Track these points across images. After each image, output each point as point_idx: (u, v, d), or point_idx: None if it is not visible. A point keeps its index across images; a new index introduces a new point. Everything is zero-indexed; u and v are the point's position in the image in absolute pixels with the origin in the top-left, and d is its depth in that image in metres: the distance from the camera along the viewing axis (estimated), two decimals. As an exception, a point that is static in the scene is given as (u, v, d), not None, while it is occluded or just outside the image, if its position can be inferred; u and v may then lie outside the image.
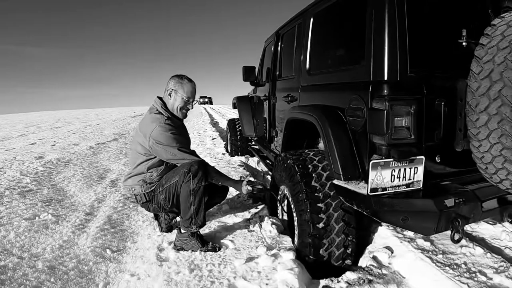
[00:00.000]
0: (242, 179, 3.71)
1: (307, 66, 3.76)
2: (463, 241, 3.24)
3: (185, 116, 3.57)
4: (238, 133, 7.72)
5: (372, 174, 2.32)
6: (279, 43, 5.19)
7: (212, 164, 6.61)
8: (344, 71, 3.02)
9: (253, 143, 7.69)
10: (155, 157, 3.37)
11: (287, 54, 4.75)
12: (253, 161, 7.36)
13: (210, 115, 25.72)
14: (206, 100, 74.07)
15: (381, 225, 3.51)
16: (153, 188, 3.43)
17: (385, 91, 2.39)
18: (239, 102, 7.29)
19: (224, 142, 9.34)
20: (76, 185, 5.62)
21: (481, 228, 3.69)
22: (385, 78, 2.43)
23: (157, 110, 3.41)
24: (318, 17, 3.67)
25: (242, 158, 7.47)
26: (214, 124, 17.99)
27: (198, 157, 3.38)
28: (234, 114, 16.95)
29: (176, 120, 3.48)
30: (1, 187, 5.35)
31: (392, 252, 3.15)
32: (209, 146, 9.25)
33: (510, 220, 2.99)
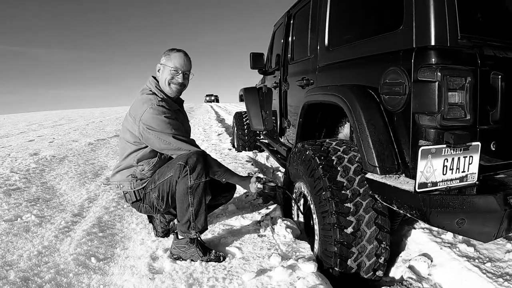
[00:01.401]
0: (250, 175, 3.16)
1: (326, 42, 3.30)
2: (509, 245, 2.79)
3: (177, 93, 2.99)
4: (245, 127, 7.36)
5: (421, 165, 1.81)
6: (291, 24, 4.77)
7: (218, 159, 6.14)
8: (374, 41, 2.52)
9: (261, 137, 7.27)
10: (146, 146, 2.82)
11: (300, 34, 4.33)
12: (262, 157, 6.94)
13: (216, 112, 25.44)
14: (213, 98, 74.17)
15: (415, 228, 3.00)
16: (144, 184, 2.89)
17: (434, 58, 1.92)
18: (246, 94, 6.90)
19: (231, 138, 9.01)
20: (68, 183, 5.15)
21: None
22: (432, 43, 1.97)
23: (150, 90, 2.88)
24: None
25: (250, 154, 7.07)
26: (220, 120, 17.65)
27: (198, 147, 2.84)
28: (241, 109, 16.61)
29: (172, 102, 2.95)
30: (-15, 186, 4.87)
31: (431, 261, 2.66)
32: (214, 142, 8.86)
33: None
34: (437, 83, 1.84)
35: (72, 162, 6.67)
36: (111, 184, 3.32)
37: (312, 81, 3.55)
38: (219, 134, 10.24)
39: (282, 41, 5.04)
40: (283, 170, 5.08)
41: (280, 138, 5.34)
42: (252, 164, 5.98)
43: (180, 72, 2.89)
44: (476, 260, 2.55)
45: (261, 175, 4.68)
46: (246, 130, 7.33)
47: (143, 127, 2.68)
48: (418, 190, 1.84)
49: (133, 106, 2.85)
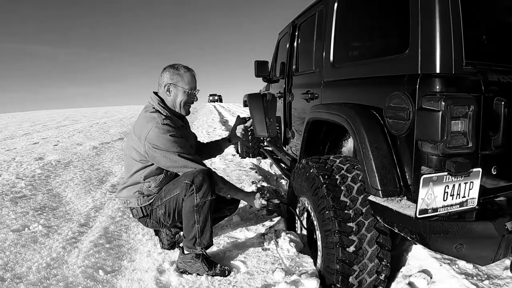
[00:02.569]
0: (254, 191, 3.23)
1: (331, 58, 3.32)
2: (507, 262, 2.83)
3: (189, 112, 3.11)
4: (249, 133, 7.29)
5: (422, 192, 1.86)
6: (296, 35, 4.78)
7: (221, 167, 6.18)
8: (380, 63, 2.55)
9: (265, 144, 7.29)
10: (153, 164, 2.89)
11: (305, 46, 4.35)
12: (266, 164, 6.96)
13: (219, 113, 25.43)
14: (216, 98, 73.97)
15: (416, 243, 3.05)
16: (151, 201, 2.95)
17: (438, 87, 1.96)
18: (251, 100, 6.87)
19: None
20: (74, 190, 5.20)
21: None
22: (437, 70, 2.00)
23: (153, 108, 2.93)
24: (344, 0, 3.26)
25: (254, 160, 7.08)
26: (224, 122, 17.69)
27: (203, 164, 2.90)
28: (245, 112, 16.58)
29: (176, 119, 3.01)
30: (-8, 192, 4.94)
31: (431, 277, 2.71)
32: (218, 147, 8.78)
33: None
34: (441, 112, 1.87)
35: (77, 168, 6.72)
36: (118, 200, 3.39)
37: (317, 95, 3.58)
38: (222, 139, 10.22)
39: (287, 51, 5.05)
40: (286, 178, 5.12)
41: (284, 147, 5.37)
42: (256, 172, 6.01)
43: (194, 92, 2.99)
44: (475, 278, 2.61)
45: (265, 185, 4.75)
46: (250, 137, 7.30)
47: (149, 146, 2.74)
48: (419, 216, 1.88)
49: (138, 124, 2.92)
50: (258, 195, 3.07)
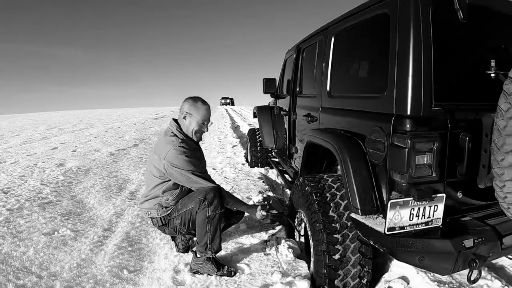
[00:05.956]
0: (256, 204, 3.72)
1: (328, 87, 3.70)
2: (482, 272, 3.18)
3: (200, 139, 3.60)
4: (258, 144, 7.65)
5: (390, 214, 2.27)
6: (300, 58, 5.14)
7: (231, 176, 6.63)
8: (365, 99, 2.96)
9: (273, 154, 7.60)
10: (170, 180, 3.38)
11: (308, 70, 4.71)
12: (273, 173, 7.32)
13: (231, 118, 25.73)
14: (228, 101, 73.88)
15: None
16: (169, 212, 3.44)
17: (408, 127, 2.33)
18: (260, 113, 7.27)
19: (245, 151, 9.31)
20: (96, 197, 5.66)
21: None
22: (408, 112, 2.37)
23: (172, 132, 3.43)
24: (339, 36, 3.62)
25: (262, 170, 7.43)
26: (235, 128, 18.07)
27: (213, 181, 3.39)
28: (255, 124, 16.98)
29: (191, 142, 3.50)
30: (21, 198, 5.41)
31: (408, 283, 3.10)
32: (229, 155, 9.27)
33: None
34: (407, 149, 2.23)
35: (96, 175, 7.16)
36: (140, 210, 3.92)
37: (316, 118, 3.95)
38: (233, 146, 10.62)
39: (292, 71, 5.41)
40: (289, 189, 5.42)
41: (289, 161, 5.72)
42: (263, 181, 6.37)
43: (206, 124, 3.48)
44: (447, 285, 2.98)
45: (271, 194, 5.17)
46: (258, 147, 7.60)
47: (168, 164, 3.23)
48: (387, 233, 2.30)
49: (158, 145, 3.41)
50: (259, 207, 3.53)
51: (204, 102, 3.50)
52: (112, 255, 3.65)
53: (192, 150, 3.42)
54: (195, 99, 3.48)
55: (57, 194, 5.73)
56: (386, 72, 2.57)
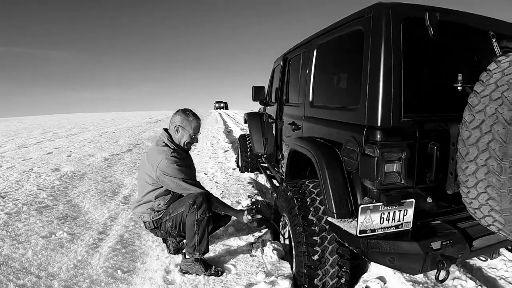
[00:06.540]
0: (243, 208, 3.99)
1: (310, 97, 3.87)
2: (457, 273, 3.35)
3: (190, 148, 3.85)
4: (248, 149, 7.81)
5: (361, 218, 2.47)
6: (286, 68, 5.30)
7: (222, 180, 6.82)
8: (342, 110, 3.12)
9: (263, 159, 7.72)
10: (162, 186, 3.60)
11: (293, 80, 4.87)
12: (263, 178, 7.47)
13: (224, 123, 25.87)
14: (222, 105, 73.95)
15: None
16: (160, 216, 3.66)
17: (377, 137, 2.49)
18: (250, 119, 7.42)
19: (236, 156, 9.45)
20: (90, 201, 5.82)
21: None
22: (378, 124, 2.54)
23: (163, 142, 3.66)
24: (321, 49, 3.78)
25: (252, 175, 7.60)
26: (228, 132, 18.28)
27: (202, 187, 3.61)
28: (245, 129, 17.11)
29: (181, 152, 3.73)
30: (19, 202, 5.57)
31: (384, 283, 3.29)
32: (220, 160, 9.43)
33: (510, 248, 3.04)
34: (376, 158, 2.41)
35: (91, 180, 7.30)
36: (133, 215, 4.17)
37: (299, 126, 4.14)
38: (225, 151, 10.77)
39: (279, 80, 5.56)
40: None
41: (277, 166, 5.90)
42: (252, 186, 6.58)
43: (196, 137, 3.74)
44: (421, 285, 3.17)
45: (260, 198, 5.38)
46: (249, 153, 7.76)
47: (160, 172, 3.47)
48: (359, 235, 2.50)
49: (151, 155, 3.64)
50: (245, 212, 3.78)
51: (195, 116, 3.75)
52: (107, 257, 3.85)
53: (182, 159, 3.65)
54: (187, 113, 3.72)
55: (53, 199, 5.89)
56: (359, 85, 2.75)
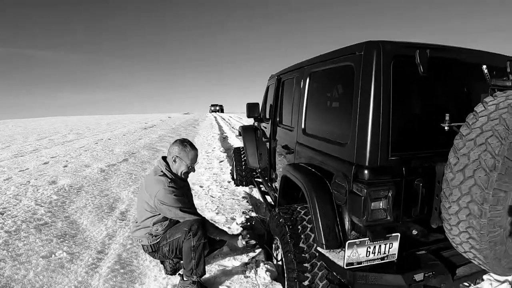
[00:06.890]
0: (237, 234, 4.16)
1: (303, 124, 3.97)
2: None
3: (187, 177, 4.00)
4: (243, 163, 7.85)
5: (348, 252, 2.63)
6: (280, 89, 5.38)
7: (217, 195, 6.95)
8: (333, 144, 3.20)
9: (257, 174, 7.79)
10: (160, 214, 3.76)
11: (287, 103, 4.92)
12: (257, 192, 7.51)
13: (220, 128, 25.93)
14: (217, 108, 74.25)
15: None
16: (158, 240, 3.82)
17: (365, 176, 2.62)
18: (244, 133, 7.52)
19: (231, 167, 9.44)
20: (88, 218, 5.90)
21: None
22: (366, 163, 2.65)
23: (161, 171, 3.82)
24: (314, 77, 3.86)
25: (246, 189, 7.68)
26: (223, 139, 18.35)
27: (198, 214, 3.80)
28: (240, 141, 17.22)
29: (179, 181, 3.89)
30: (18, 220, 5.64)
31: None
32: (216, 171, 9.52)
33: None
34: (363, 197, 2.54)
35: (88, 194, 7.36)
36: (132, 238, 4.37)
37: (292, 150, 4.25)
38: (220, 162, 10.86)
39: (273, 100, 5.65)
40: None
41: (270, 183, 6.04)
42: (247, 201, 6.70)
43: (193, 166, 3.89)
44: None
45: (254, 215, 5.53)
46: (243, 166, 7.81)
47: (158, 201, 3.63)
48: (346, 267, 2.66)
49: (149, 184, 3.78)
50: (240, 237, 3.97)
51: (192, 147, 3.90)
52: (106, 278, 3.98)
53: (179, 188, 3.81)
54: (184, 144, 3.87)
55: (51, 215, 5.95)
56: (350, 121, 2.85)
